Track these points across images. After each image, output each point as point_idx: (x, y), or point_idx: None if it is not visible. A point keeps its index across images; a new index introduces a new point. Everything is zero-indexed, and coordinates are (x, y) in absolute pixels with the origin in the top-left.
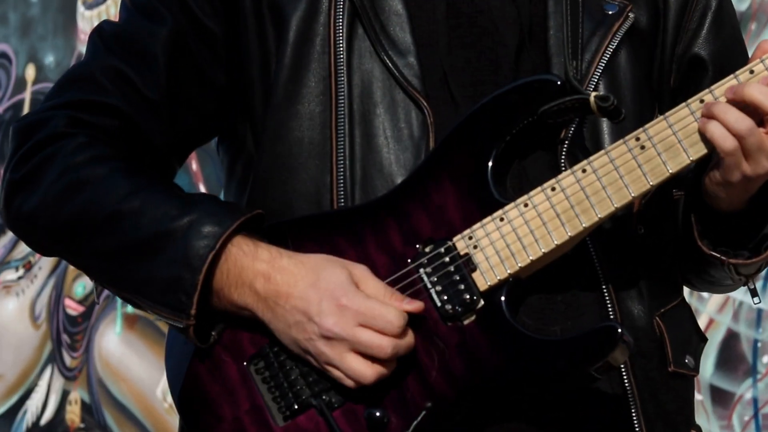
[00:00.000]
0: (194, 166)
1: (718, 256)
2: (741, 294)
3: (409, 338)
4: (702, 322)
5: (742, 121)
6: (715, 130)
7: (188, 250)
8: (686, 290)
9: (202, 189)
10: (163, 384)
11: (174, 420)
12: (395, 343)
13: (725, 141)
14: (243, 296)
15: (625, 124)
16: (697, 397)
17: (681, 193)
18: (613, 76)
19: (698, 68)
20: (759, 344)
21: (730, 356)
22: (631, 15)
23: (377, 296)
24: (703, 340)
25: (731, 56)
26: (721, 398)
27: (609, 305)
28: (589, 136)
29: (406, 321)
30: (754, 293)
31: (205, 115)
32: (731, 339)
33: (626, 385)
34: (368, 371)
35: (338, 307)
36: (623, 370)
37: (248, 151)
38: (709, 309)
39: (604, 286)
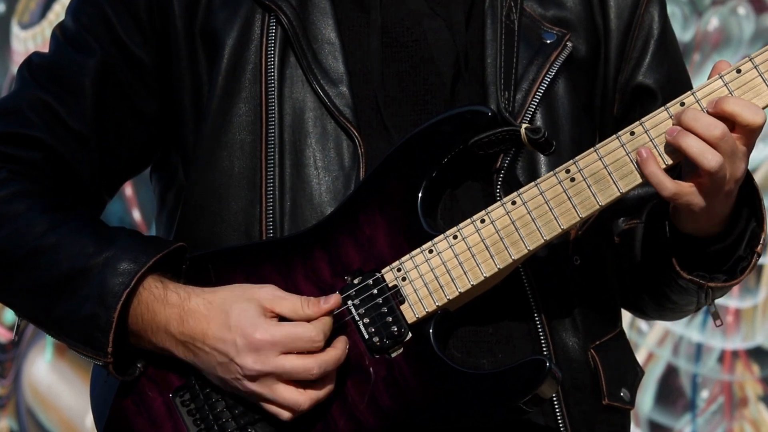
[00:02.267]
0: (129, 191)
1: (698, 280)
2: (681, 328)
3: (335, 352)
4: (641, 356)
5: (715, 126)
6: (652, 174)
7: (103, 288)
8: (625, 323)
9: (137, 215)
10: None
11: None
12: (320, 361)
13: (663, 188)
14: (161, 340)
15: (564, 154)
16: (636, 431)
17: (635, 222)
18: (550, 106)
19: (645, 96)
20: (698, 379)
21: (670, 391)
22: (570, 44)
23: (295, 312)
24: (640, 372)
25: (677, 83)
26: None
27: (542, 337)
28: (525, 166)
29: (326, 330)
30: (716, 316)
31: (136, 146)
32: (670, 373)
33: (558, 418)
34: (301, 398)
35: (254, 344)
36: (556, 403)
37: (180, 180)
38: (649, 342)
39: (537, 317)
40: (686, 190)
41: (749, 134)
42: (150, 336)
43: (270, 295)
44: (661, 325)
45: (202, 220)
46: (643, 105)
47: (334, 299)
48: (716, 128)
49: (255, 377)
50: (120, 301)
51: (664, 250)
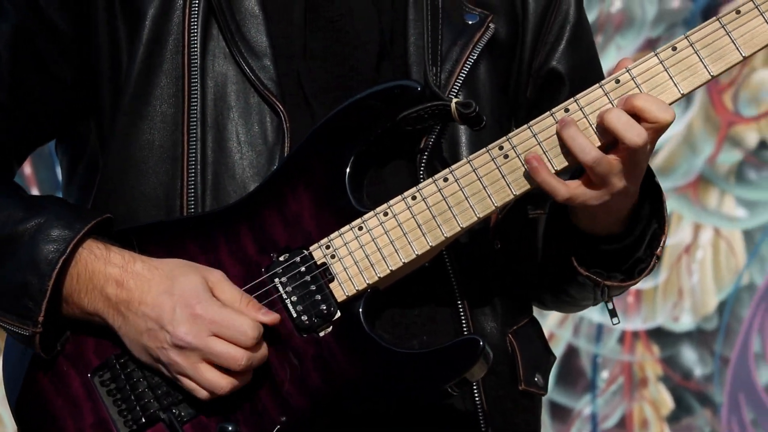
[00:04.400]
0: (28, 169)
1: (594, 278)
2: None
3: (264, 350)
4: None
5: (588, 152)
6: (543, 182)
7: (36, 255)
8: None
9: (36, 193)
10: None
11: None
12: (249, 355)
13: (557, 194)
14: (93, 302)
15: (484, 135)
16: None
17: (539, 212)
18: (472, 86)
19: (555, 82)
20: (599, 359)
21: (570, 371)
22: (492, 26)
23: (233, 304)
24: (552, 358)
25: (588, 71)
26: (559, 414)
27: (464, 320)
28: (447, 147)
29: (261, 332)
30: (613, 314)
31: (50, 114)
32: (571, 354)
33: (477, 402)
34: (222, 382)
35: (192, 316)
36: (475, 387)
37: (91, 152)
38: (550, 323)
39: (459, 301)
40: (579, 192)
41: (657, 131)
42: (83, 297)
43: (216, 277)
44: None
45: (121, 193)
46: (553, 90)
47: (274, 316)
48: (590, 153)
49: (182, 348)
50: (56, 268)
51: (563, 246)
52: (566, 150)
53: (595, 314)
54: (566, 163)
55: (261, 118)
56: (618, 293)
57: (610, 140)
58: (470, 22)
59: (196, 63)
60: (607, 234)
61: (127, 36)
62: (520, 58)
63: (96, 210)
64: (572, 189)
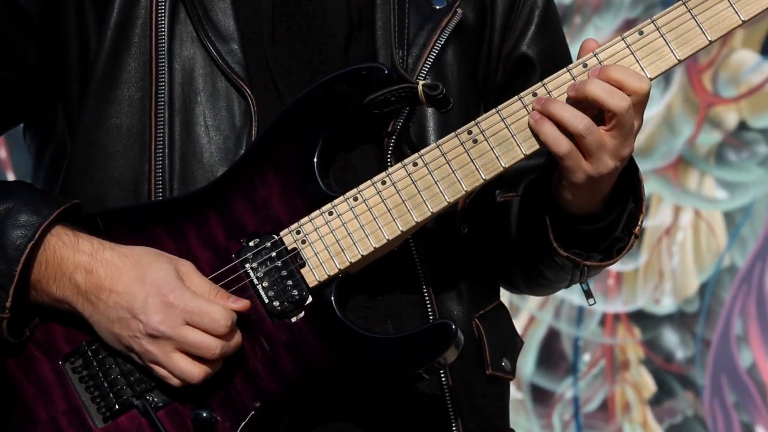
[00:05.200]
0: (2, 153)
1: (574, 258)
2: (562, 291)
3: (237, 338)
4: (522, 320)
5: (579, 120)
6: (548, 132)
7: (4, 240)
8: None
9: (11, 177)
10: None
11: None
12: (222, 344)
13: (558, 144)
14: (62, 289)
15: (452, 120)
16: (517, 395)
17: (511, 195)
18: (440, 72)
19: (526, 67)
20: (580, 342)
21: (551, 354)
22: (460, 11)
23: (203, 294)
24: (519, 343)
25: (557, 55)
26: (541, 397)
27: (428, 306)
28: (415, 131)
29: (234, 321)
30: (588, 294)
31: (16, 98)
32: (552, 337)
33: (444, 385)
34: (195, 370)
35: (164, 304)
36: (442, 371)
37: (59, 137)
38: (530, 306)
39: (424, 286)
40: (575, 155)
41: (637, 104)
42: (51, 285)
43: (185, 268)
44: None
45: (88, 177)
46: (523, 75)
47: (244, 302)
48: (581, 120)
49: (155, 337)
50: (24, 254)
51: (540, 226)
52: (535, 133)
53: (575, 297)
54: (536, 146)
55: (229, 103)
56: (595, 273)
57: (590, 115)
58: (437, 7)
59: (164, 47)
60: (584, 214)
61: (95, 20)
62: (489, 43)
63: (64, 195)
64: (572, 147)
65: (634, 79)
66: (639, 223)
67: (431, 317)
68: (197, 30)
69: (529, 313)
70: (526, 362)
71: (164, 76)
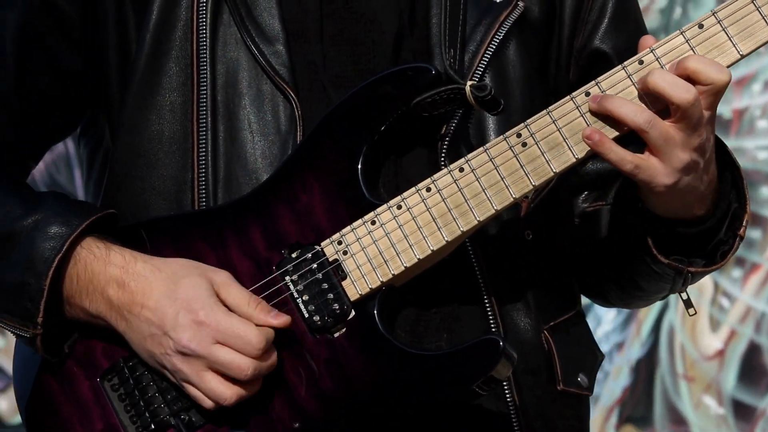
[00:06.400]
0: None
1: (677, 265)
2: (763, 304)
3: (273, 358)
4: (723, 334)
5: (639, 113)
6: (611, 155)
7: (33, 253)
8: (706, 300)
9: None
10: None
11: None
12: (255, 364)
13: (624, 162)
14: (96, 304)
15: (513, 121)
16: (720, 411)
17: (600, 204)
18: (500, 68)
19: (602, 63)
20: None
21: (753, 369)
22: (521, 4)
23: (241, 307)
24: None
25: (635, 50)
26: (743, 412)
27: (491, 317)
28: (474, 132)
29: (269, 340)
30: (689, 304)
31: (60, 106)
32: (753, 351)
33: (509, 403)
34: (227, 392)
35: (195, 323)
36: (506, 387)
37: (107, 144)
38: (730, 320)
39: (485, 297)
40: (644, 165)
41: (712, 94)
42: (84, 300)
43: (222, 279)
44: (742, 302)
45: (129, 186)
46: (599, 71)
47: (285, 318)
48: (642, 113)
49: (186, 355)
50: (52, 267)
51: (636, 235)
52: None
53: None
54: (588, 149)
55: (274, 107)
56: (698, 280)
57: (659, 108)
58: (497, 1)
59: (205, 49)
60: (682, 217)
61: (136, 23)
62: (558, 38)
63: (104, 206)
64: (638, 158)
65: (713, 69)
66: (744, 223)
67: (494, 329)
68: (240, 31)
69: (729, 327)
70: (728, 377)
71: (206, 79)
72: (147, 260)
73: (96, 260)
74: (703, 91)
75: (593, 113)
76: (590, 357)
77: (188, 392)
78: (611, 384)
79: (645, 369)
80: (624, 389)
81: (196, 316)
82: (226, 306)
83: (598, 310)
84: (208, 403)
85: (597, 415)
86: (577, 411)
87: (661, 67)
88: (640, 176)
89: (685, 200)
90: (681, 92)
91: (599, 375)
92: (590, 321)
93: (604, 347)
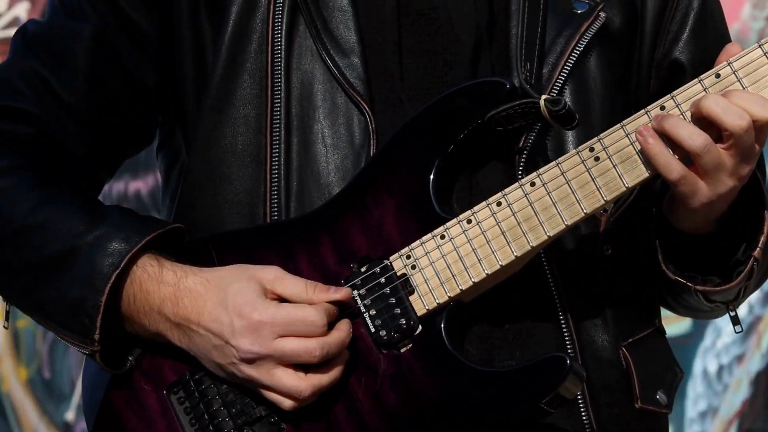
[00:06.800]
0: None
1: (684, 282)
2: None
3: (338, 334)
4: None
5: (696, 137)
6: (659, 158)
7: (92, 269)
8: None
9: None
10: None
11: None
12: (323, 342)
13: (670, 169)
14: (154, 323)
15: (594, 133)
16: None
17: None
18: (581, 81)
19: (680, 74)
20: None
21: None
22: (602, 14)
23: (300, 295)
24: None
25: (713, 61)
26: None
27: (566, 334)
28: (552, 146)
29: (330, 314)
30: (735, 321)
31: (134, 120)
32: None
33: (585, 421)
34: (302, 384)
35: (251, 325)
36: (582, 404)
37: (183, 159)
38: None
39: (561, 313)
40: (691, 178)
41: (757, 130)
42: (143, 319)
43: (272, 275)
44: None
45: (203, 200)
46: (677, 83)
47: (346, 291)
48: (698, 138)
49: (252, 360)
50: (109, 283)
51: (651, 248)
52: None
53: None
54: None
55: (348, 120)
56: (721, 299)
57: (715, 133)
58: (578, 11)
59: (280, 61)
60: (699, 234)
61: (212, 35)
62: (640, 49)
63: (177, 219)
64: (686, 170)
65: (757, 105)
66: (759, 245)
67: (569, 347)
68: (316, 43)
69: None
70: None
71: (280, 92)
72: (197, 273)
73: (149, 279)
74: (756, 128)
75: (656, 132)
76: (669, 374)
77: (267, 398)
78: (731, 396)
79: (765, 381)
80: (743, 402)
81: (251, 320)
82: (283, 299)
83: (718, 322)
84: (287, 404)
85: (716, 427)
86: (655, 429)
87: (738, 80)
88: (682, 188)
89: (708, 217)
90: (734, 118)
91: (718, 387)
92: (710, 333)
93: (724, 359)
